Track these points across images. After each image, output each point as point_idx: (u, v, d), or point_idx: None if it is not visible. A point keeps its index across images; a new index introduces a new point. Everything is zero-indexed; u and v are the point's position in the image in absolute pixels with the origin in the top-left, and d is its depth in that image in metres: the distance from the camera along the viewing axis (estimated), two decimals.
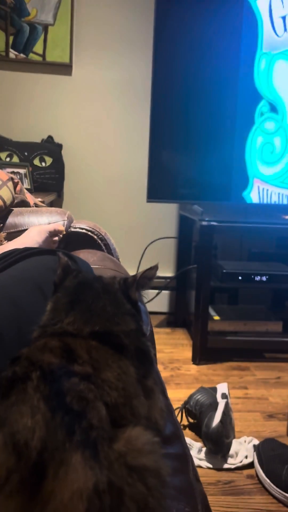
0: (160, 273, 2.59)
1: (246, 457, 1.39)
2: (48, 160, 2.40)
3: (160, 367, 1.91)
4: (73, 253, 1.04)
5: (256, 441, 1.43)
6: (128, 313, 0.65)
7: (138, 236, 2.57)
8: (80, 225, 1.56)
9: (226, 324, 2.15)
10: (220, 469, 1.36)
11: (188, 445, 0.78)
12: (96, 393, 0.48)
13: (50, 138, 2.46)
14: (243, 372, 1.98)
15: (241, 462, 1.38)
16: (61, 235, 1.29)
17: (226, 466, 1.37)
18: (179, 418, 1.52)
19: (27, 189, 1.85)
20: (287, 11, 2.11)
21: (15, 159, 2.34)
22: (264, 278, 2.08)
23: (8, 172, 1.62)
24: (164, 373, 1.92)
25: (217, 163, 2.16)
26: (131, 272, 0.99)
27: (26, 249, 0.93)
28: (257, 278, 2.08)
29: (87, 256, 1.28)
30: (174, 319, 2.57)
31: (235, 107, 2.13)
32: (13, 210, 1.58)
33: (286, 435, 1.51)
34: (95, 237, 1.56)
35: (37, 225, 1.40)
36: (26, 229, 1.26)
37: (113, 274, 1.17)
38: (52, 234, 1.22)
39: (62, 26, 2.42)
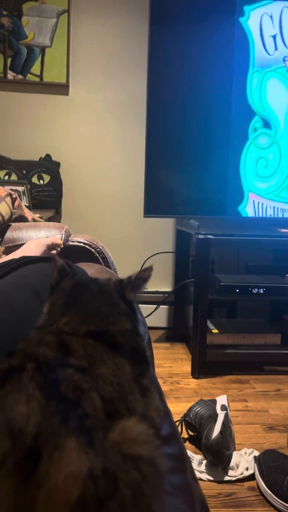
0: (158, 288, 2.62)
1: (247, 469, 1.37)
2: (46, 178, 2.43)
3: (159, 381, 1.90)
4: None
5: (256, 453, 1.42)
6: (123, 313, 0.66)
7: (136, 251, 2.59)
8: (77, 239, 1.57)
9: (224, 337, 2.14)
10: (221, 481, 1.35)
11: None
12: (91, 384, 0.48)
13: (48, 156, 2.49)
14: (243, 385, 1.97)
15: (242, 474, 1.36)
16: (59, 249, 1.30)
17: (227, 478, 1.35)
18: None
19: (25, 206, 1.87)
20: (277, 31, 2.17)
21: (14, 177, 2.37)
22: (261, 291, 2.09)
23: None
24: (163, 387, 1.91)
25: (212, 178, 2.20)
26: None
27: (23, 258, 0.94)
28: (255, 290, 2.08)
29: (85, 268, 1.29)
30: (173, 333, 2.56)
31: (229, 123, 2.18)
32: (11, 225, 1.60)
33: (287, 447, 1.50)
34: (93, 250, 1.57)
35: (35, 239, 1.42)
36: (24, 243, 1.28)
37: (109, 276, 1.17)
38: (50, 247, 1.23)
39: (59, 48, 2.48)
